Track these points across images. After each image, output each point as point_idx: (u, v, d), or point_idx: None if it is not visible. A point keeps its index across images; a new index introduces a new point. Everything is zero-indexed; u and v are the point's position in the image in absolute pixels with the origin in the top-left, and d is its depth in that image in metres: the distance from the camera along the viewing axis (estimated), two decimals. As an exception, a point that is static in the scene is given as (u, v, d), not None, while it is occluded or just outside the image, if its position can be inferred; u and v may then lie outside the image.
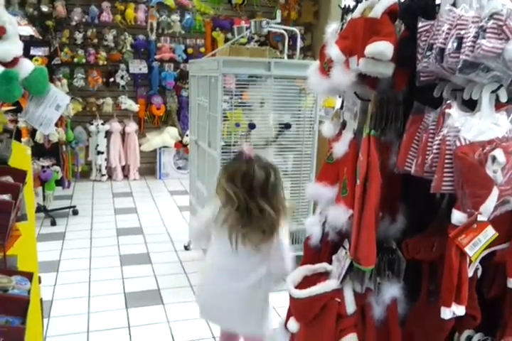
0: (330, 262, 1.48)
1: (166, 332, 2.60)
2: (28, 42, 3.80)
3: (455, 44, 0.99)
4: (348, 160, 1.38)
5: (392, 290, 1.15)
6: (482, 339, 1.22)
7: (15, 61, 1.55)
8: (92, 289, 3.07)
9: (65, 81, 4.34)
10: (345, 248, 1.37)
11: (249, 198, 1.75)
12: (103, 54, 5.65)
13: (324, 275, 1.43)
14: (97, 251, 3.72)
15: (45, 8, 5.25)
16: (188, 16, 5.85)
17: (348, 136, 1.39)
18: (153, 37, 5.81)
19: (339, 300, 1.16)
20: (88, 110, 5.77)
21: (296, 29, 3.08)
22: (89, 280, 3.19)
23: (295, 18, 6.07)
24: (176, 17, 5.81)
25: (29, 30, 3.84)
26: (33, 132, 4.00)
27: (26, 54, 3.76)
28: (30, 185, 1.86)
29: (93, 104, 5.76)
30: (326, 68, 1.59)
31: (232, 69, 2.63)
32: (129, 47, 5.74)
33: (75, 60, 5.55)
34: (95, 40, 5.62)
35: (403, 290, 1.14)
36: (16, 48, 1.53)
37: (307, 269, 1.39)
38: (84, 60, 5.60)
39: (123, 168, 6.14)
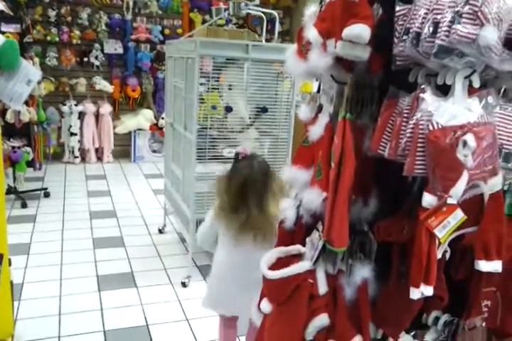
0: (304, 244, 1.50)
1: (139, 314, 2.60)
2: (-2, 18, 3.67)
3: (431, 28, 0.99)
4: (324, 144, 1.38)
5: (363, 272, 1.17)
6: (449, 320, 1.26)
7: None
8: (64, 272, 3.04)
9: (37, 59, 4.21)
10: (318, 230, 1.38)
11: (251, 198, 1.82)
12: (77, 33, 5.52)
13: (297, 257, 1.44)
14: (69, 233, 3.67)
15: (16, -17, 5.06)
16: (165, -4, 5.74)
17: (324, 119, 1.40)
18: (129, 16, 5.69)
19: (312, 281, 1.18)
20: (61, 90, 5.64)
21: (275, 12, 3.05)
22: (60, 263, 3.15)
23: (274, 1, 6.00)
24: (152, -4, 5.69)
25: (-1, 6, 3.70)
26: (3, 111, 3.89)
27: (-4, 30, 3.63)
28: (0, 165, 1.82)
29: (66, 83, 5.63)
30: (303, 51, 1.58)
31: (210, 50, 2.60)
32: (104, 27, 5.62)
33: (48, 38, 5.41)
34: (69, 18, 5.49)
35: (374, 272, 1.16)
36: (-17, 20, 1.47)
37: (280, 251, 1.40)
38: (57, 39, 5.46)
39: (96, 150, 6.05)
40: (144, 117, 6.08)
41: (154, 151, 6.32)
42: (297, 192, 1.67)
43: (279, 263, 1.36)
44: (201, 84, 2.75)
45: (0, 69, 1.59)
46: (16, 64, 1.60)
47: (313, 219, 1.62)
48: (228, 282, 1.90)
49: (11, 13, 3.92)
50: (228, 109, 2.75)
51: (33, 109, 4.11)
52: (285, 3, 6.02)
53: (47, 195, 4.53)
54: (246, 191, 1.83)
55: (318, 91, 1.65)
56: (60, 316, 2.53)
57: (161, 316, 2.58)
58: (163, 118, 6.08)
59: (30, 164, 4.31)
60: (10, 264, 2.18)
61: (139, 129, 6.11)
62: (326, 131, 1.39)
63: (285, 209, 1.76)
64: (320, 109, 1.58)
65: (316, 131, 1.46)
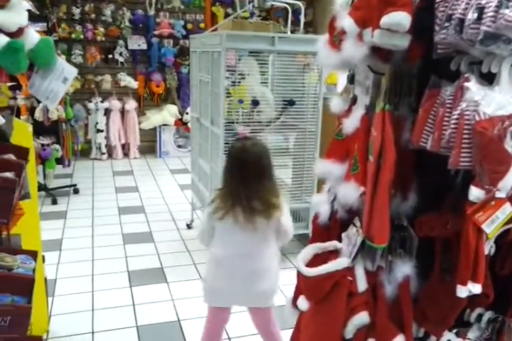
0: (339, 240, 1.47)
1: (171, 309, 2.61)
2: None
3: (475, 14, 0.94)
4: (359, 136, 1.34)
5: (404, 268, 1.14)
6: (493, 317, 1.22)
7: (20, 31, 1.46)
8: (96, 267, 3.07)
9: (63, 57, 4.26)
10: (355, 225, 1.35)
11: (246, 176, 1.78)
12: (101, 29, 5.55)
13: (334, 253, 1.42)
14: (99, 229, 3.72)
15: (40, -18, 5.11)
16: (187, -10, 5.72)
17: (359, 111, 1.36)
18: (151, 12, 5.69)
19: (350, 279, 1.15)
20: (87, 87, 5.70)
21: (299, 3, 3.00)
22: (92, 259, 3.19)
23: (297, -8, 5.92)
24: (175, -9, 5.68)
25: (26, 5, 3.73)
26: (32, 109, 3.94)
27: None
28: (32, 163, 1.84)
29: (91, 81, 5.69)
30: (336, 42, 1.54)
31: (236, 44, 2.57)
32: (127, 23, 5.64)
33: (73, 35, 5.46)
34: (93, 16, 5.52)
35: (415, 269, 1.13)
36: (20, 17, 1.45)
37: (317, 247, 1.38)
38: (82, 36, 5.50)
39: (123, 146, 6.11)
40: (169, 112, 6.09)
41: (179, 146, 6.34)
42: (331, 187, 1.63)
43: (316, 260, 1.34)
44: (226, 77, 2.73)
45: (36, 68, 1.58)
46: (51, 61, 1.59)
47: (348, 214, 1.58)
48: (226, 274, 1.85)
49: (37, 12, 3.95)
50: (255, 103, 2.72)
51: (61, 106, 4.15)
52: (309, -7, 5.94)
53: (76, 191, 4.59)
54: (240, 171, 1.78)
55: (352, 82, 1.61)
56: (93, 312, 2.56)
57: (192, 311, 2.59)
58: (187, 113, 6.10)
59: (59, 161, 4.37)
60: (44, 261, 2.21)
61: (164, 125, 6.13)
62: (361, 124, 1.35)
63: (318, 204, 1.73)
64: (354, 100, 1.54)
65: (351, 124, 1.42)
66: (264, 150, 1.85)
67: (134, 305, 2.65)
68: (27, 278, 1.58)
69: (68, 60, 5.39)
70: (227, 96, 2.69)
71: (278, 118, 2.88)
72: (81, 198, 4.48)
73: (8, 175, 1.31)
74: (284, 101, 2.83)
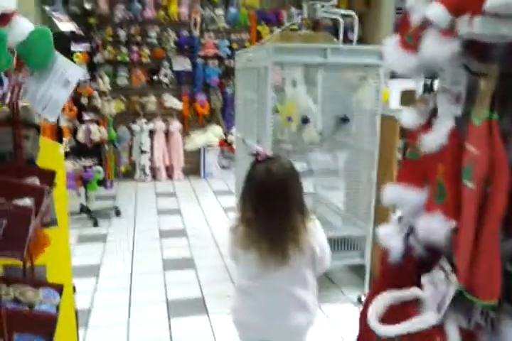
0: (415, 283, 1.20)
1: (212, 346, 2.37)
2: (69, 38, 3.69)
3: None
4: (447, 156, 1.09)
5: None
6: None
7: (5, 18, 1.14)
8: (133, 296, 2.89)
9: (106, 78, 4.22)
10: (444, 269, 1.08)
11: (273, 206, 1.56)
12: (146, 51, 5.54)
13: (413, 304, 1.15)
14: (139, 254, 3.55)
15: (88, 6, 5.18)
16: (232, 10, 5.64)
17: (444, 124, 1.10)
18: (196, 33, 5.64)
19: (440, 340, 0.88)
20: (131, 109, 5.67)
21: (353, 13, 2.78)
22: (130, 287, 3.01)
23: (345, 6, 5.70)
24: (220, 11, 5.62)
25: (70, 26, 3.72)
26: (74, 130, 3.89)
27: (67, 50, 3.64)
28: (62, 186, 1.67)
29: (136, 102, 5.66)
30: (410, 41, 1.29)
31: (284, 56, 2.37)
32: (172, 44, 5.60)
33: (118, 58, 5.46)
34: (138, 38, 5.52)
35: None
36: (2, 0, 1.11)
37: (392, 297, 1.11)
38: (127, 58, 5.50)
39: (167, 168, 6.01)
40: (213, 133, 5.98)
41: (223, 167, 6.19)
42: (405, 216, 1.37)
43: (393, 313, 1.07)
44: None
45: (29, 68, 1.26)
46: (48, 59, 1.26)
47: (429, 253, 1.31)
48: (257, 308, 1.64)
49: (82, 34, 3.94)
50: (305, 121, 2.50)
51: (104, 128, 4.09)
52: (358, 7, 5.66)
53: (118, 213, 4.49)
54: (265, 201, 1.54)
55: (429, 91, 1.36)
56: (129, 346, 2.36)
57: (235, 349, 2.34)
58: (232, 133, 5.97)
59: (101, 183, 4.29)
60: (74, 291, 2.03)
61: (208, 145, 6.01)
62: (449, 140, 1.09)
63: (388, 237, 1.46)
64: (434, 112, 1.28)
65: (433, 140, 1.16)
66: (292, 172, 1.60)
67: (171, 338, 2.43)
68: (48, 316, 1.39)
69: (113, 83, 5.40)
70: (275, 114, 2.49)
71: (330, 136, 2.64)
72: (122, 220, 4.37)
73: (27, 201, 1.13)
74: (337, 117, 2.60)
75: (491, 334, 0.89)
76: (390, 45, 1.36)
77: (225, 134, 6.04)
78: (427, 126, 1.28)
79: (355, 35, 2.83)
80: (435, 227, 1.01)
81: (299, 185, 1.62)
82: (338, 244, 2.77)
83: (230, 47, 5.79)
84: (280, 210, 1.56)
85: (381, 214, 2.85)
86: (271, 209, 1.56)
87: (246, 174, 1.62)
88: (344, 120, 2.56)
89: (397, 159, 2.78)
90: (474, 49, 0.93)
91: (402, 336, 0.88)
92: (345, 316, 2.69)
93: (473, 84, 0.95)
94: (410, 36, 1.30)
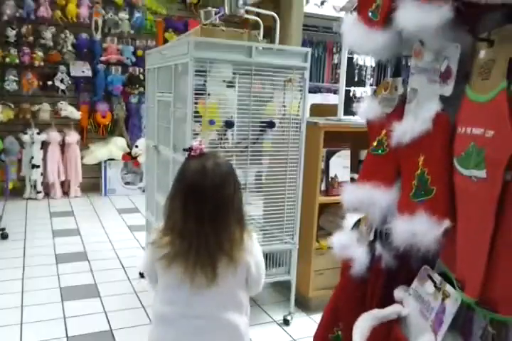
0: (387, 300, 1.01)
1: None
2: None
3: None
4: (433, 144, 0.91)
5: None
6: None
7: None
8: (25, 334, 2.39)
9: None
10: (433, 281, 0.88)
11: (204, 211, 1.29)
12: (40, 54, 4.98)
13: (397, 323, 0.95)
14: (30, 283, 3.02)
15: (-31, -1, 4.54)
16: (137, 15, 5.31)
17: (427, 108, 0.92)
18: (98, 36, 5.21)
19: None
20: (21, 117, 5.04)
21: (275, 14, 2.63)
22: (20, 322, 2.50)
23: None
24: (124, 15, 5.26)
25: None
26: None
27: None
28: None
29: (27, 110, 5.04)
30: (374, 17, 1.11)
31: (207, 53, 2.12)
32: (70, 47, 5.11)
33: (7, 60, 4.86)
34: (31, 38, 4.95)
35: None
36: None
37: (374, 317, 0.91)
38: (17, 61, 4.90)
39: (62, 183, 5.42)
40: (116, 146, 5.52)
41: (127, 183, 5.73)
42: (371, 221, 1.17)
43: (375, 335, 0.86)
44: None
45: None
46: None
47: (398, 262, 1.13)
48: (178, 337, 1.36)
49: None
50: (229, 124, 2.25)
51: (-12, 136, 3.52)
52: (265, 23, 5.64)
53: (4, 236, 3.87)
54: (195, 204, 1.29)
55: (396, 75, 1.18)
56: None
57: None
58: (137, 146, 5.56)
59: (-17, 201, 3.68)
60: None
61: (110, 159, 5.53)
62: (436, 125, 0.92)
63: (345, 247, 1.26)
64: (403, 99, 1.11)
65: (409, 129, 0.98)
66: (231, 173, 1.35)
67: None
68: None
69: (1, 87, 4.78)
70: (195, 116, 2.21)
71: (254, 142, 2.42)
72: (10, 244, 3.76)
73: None
74: (262, 122, 2.38)
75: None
76: (349, 24, 1.18)
77: (129, 147, 5.61)
78: (397, 114, 1.10)
79: (277, 36, 2.67)
80: (422, 229, 0.82)
81: (237, 188, 1.36)
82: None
83: (135, 54, 5.42)
84: (214, 217, 1.29)
85: (307, 226, 2.67)
86: (203, 215, 1.28)
87: (176, 173, 1.34)
88: (270, 125, 2.35)
89: (321, 168, 2.64)
90: (467, 15, 0.76)
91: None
92: (271, 339, 2.46)
93: (464, 57, 0.78)
94: (375, 11, 1.12)
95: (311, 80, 2.39)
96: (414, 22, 0.87)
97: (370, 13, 1.10)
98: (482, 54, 0.79)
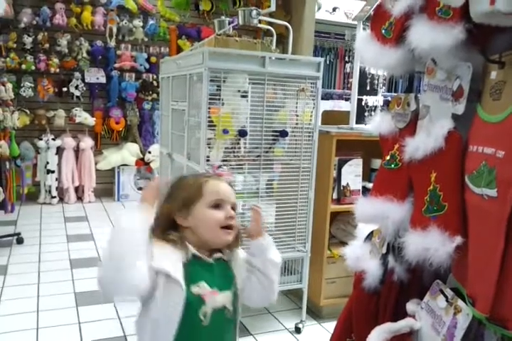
0: (399, 313, 1.02)
1: None
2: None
3: None
4: (444, 161, 0.92)
5: None
6: None
7: None
8: (41, 338, 2.44)
9: (9, 85, 3.73)
10: (446, 296, 0.90)
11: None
12: (55, 61, 5.06)
13: (409, 337, 0.96)
14: (46, 288, 3.07)
15: (-13, 8, 4.62)
16: (151, 22, 5.37)
17: (439, 125, 0.94)
18: (112, 43, 5.27)
19: None
20: (37, 123, 5.12)
21: (288, 24, 2.66)
22: (37, 327, 2.55)
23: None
24: (138, 22, 5.32)
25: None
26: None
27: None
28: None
29: (43, 116, 5.12)
30: (388, 34, 1.13)
31: (220, 63, 2.15)
32: (85, 54, 5.18)
33: (23, 66, 4.93)
34: (46, 45, 5.03)
35: None
36: None
37: (388, 330, 0.92)
38: (33, 67, 4.98)
39: (76, 188, 5.48)
40: (129, 152, 5.58)
41: (140, 189, 5.78)
42: (384, 234, 1.18)
43: None
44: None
45: None
46: None
47: (410, 275, 1.14)
48: None
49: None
50: (242, 133, 2.28)
51: (5, 142, 3.58)
52: (277, 31, 5.68)
53: (20, 241, 3.93)
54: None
55: (409, 91, 1.20)
56: None
57: None
58: (150, 152, 5.61)
59: (0, 206, 3.73)
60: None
61: (124, 165, 5.59)
62: (448, 142, 0.93)
63: (359, 260, 1.27)
64: (416, 115, 1.12)
65: (423, 145, 1.00)
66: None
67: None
68: None
69: (17, 93, 4.85)
70: (209, 125, 2.25)
71: (267, 152, 2.45)
72: (26, 249, 3.82)
73: None
74: (275, 131, 2.41)
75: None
76: (363, 40, 1.20)
77: (142, 152, 5.66)
78: (410, 130, 1.12)
79: (289, 46, 2.69)
80: (434, 244, 0.84)
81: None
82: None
83: (149, 61, 5.49)
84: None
85: (318, 234, 2.69)
86: None
87: None
88: (283, 134, 2.38)
89: (333, 176, 2.66)
90: (480, 37, 0.78)
91: None
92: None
93: (477, 76, 0.80)
94: (388, 29, 1.14)
95: (322, 87, 2.41)
96: (427, 42, 0.89)
97: (383, 31, 1.13)
98: (493, 75, 0.81)
